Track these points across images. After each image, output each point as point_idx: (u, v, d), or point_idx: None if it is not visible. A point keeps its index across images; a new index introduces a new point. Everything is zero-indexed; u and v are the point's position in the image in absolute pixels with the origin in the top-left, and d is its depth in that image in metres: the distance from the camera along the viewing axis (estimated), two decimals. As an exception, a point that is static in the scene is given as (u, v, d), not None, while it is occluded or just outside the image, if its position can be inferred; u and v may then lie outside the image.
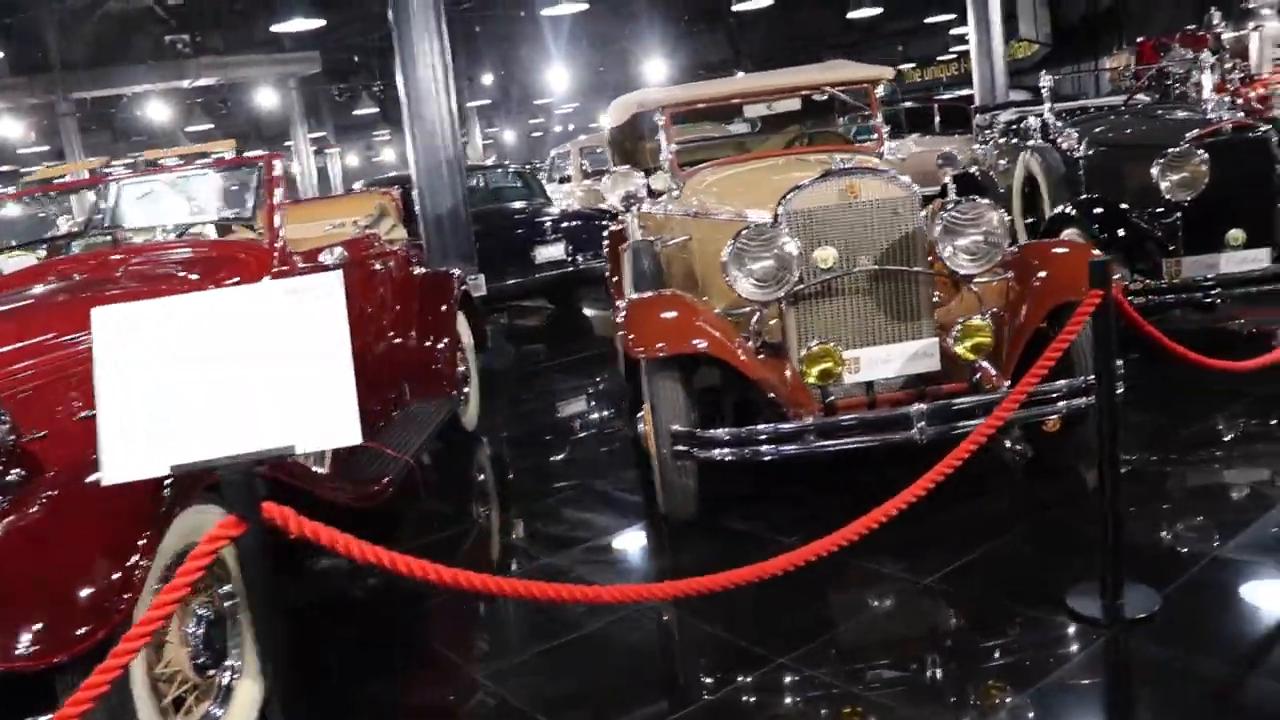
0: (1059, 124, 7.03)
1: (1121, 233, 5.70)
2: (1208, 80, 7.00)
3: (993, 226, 4.01)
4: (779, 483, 4.57)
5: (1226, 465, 4.33)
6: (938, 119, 13.16)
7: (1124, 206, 5.84)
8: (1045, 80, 7.33)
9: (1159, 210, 5.80)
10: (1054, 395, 3.90)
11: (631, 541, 4.38)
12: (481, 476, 5.71)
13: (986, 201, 4.05)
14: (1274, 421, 4.75)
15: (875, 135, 5.68)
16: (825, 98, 5.76)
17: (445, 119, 8.52)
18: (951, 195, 5.71)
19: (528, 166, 13.62)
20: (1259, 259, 5.49)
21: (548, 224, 9.70)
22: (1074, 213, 5.83)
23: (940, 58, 27.96)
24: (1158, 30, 14.06)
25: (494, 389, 7.39)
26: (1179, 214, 5.72)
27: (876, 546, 3.70)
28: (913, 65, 28.05)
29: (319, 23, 14.48)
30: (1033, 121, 7.31)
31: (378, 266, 5.42)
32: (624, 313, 4.19)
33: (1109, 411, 3.11)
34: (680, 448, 3.96)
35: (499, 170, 11.80)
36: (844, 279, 4.08)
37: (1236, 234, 5.55)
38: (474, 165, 11.90)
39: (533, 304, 11.14)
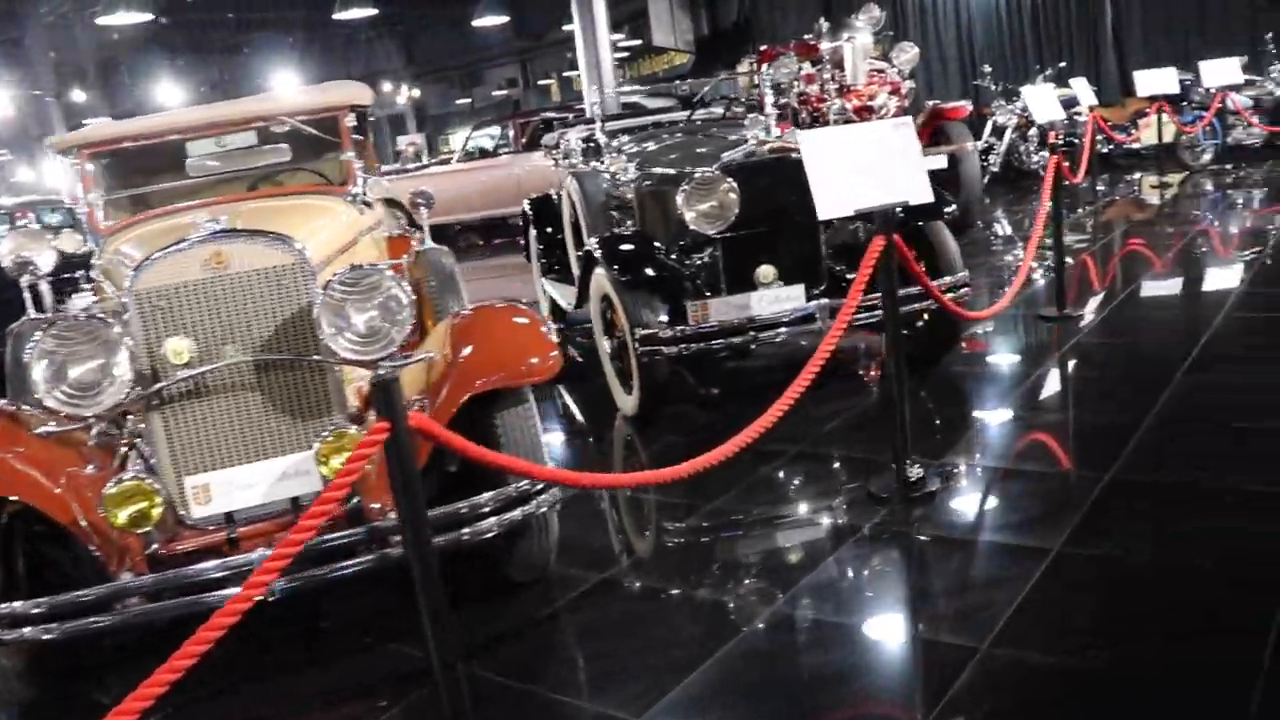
0: (613, 144, 6.36)
1: (650, 273, 5.04)
2: (768, 95, 6.52)
3: (391, 300, 3.16)
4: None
5: (667, 600, 3.45)
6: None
7: (657, 243, 5.19)
8: (591, 95, 6.61)
9: (696, 245, 5.23)
10: (485, 509, 3.10)
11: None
12: None
13: (385, 269, 3.19)
14: (762, 525, 4.20)
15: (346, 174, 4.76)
16: (288, 129, 4.78)
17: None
18: (429, 242, 4.95)
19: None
20: (792, 298, 4.96)
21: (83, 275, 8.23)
22: (599, 251, 5.13)
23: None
24: (787, 39, 14.03)
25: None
26: (714, 248, 5.17)
27: None
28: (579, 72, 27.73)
29: None
30: (573, 141, 6.59)
31: None
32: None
33: (427, 590, 2.29)
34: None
35: (46, 207, 10.09)
36: (214, 376, 3.13)
37: (766, 271, 5.02)
38: (17, 202, 10.13)
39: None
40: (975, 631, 2.90)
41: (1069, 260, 7.93)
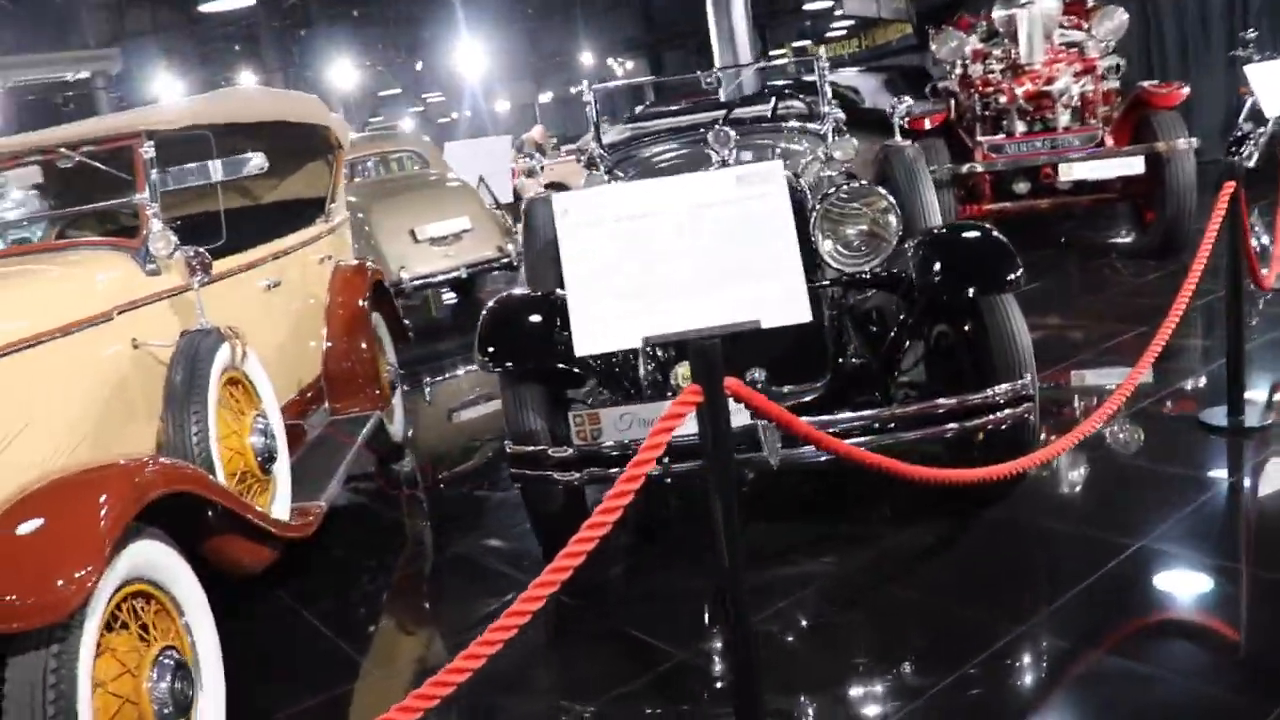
0: (609, 158, 4.76)
1: (547, 361, 3.46)
2: (826, 91, 4.74)
3: None
4: None
5: None
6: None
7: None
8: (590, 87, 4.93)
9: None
10: None
11: None
12: None
13: None
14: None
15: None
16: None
17: None
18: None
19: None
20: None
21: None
22: (482, 320, 3.60)
23: (828, 35, 25.53)
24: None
25: None
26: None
27: None
28: (811, 42, 25.62)
29: None
30: (533, 154, 5.01)
31: None
32: None
33: None
34: None
35: None
36: None
37: (685, 372, 3.36)
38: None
39: None
40: None
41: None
